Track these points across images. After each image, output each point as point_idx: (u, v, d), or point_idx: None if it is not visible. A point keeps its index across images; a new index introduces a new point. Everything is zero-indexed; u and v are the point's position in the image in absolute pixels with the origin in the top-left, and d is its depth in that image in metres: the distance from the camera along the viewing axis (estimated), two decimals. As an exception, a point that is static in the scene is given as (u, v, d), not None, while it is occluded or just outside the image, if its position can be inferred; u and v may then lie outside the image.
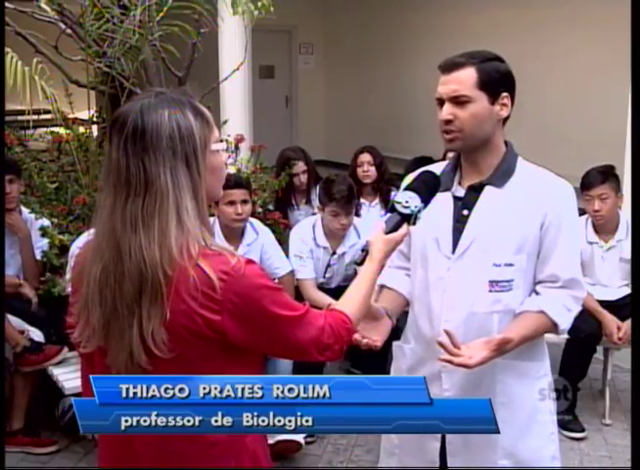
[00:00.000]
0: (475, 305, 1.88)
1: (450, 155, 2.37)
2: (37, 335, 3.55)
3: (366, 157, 4.59)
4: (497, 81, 1.86)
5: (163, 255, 1.29)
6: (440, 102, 1.88)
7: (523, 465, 1.96)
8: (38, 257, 3.78)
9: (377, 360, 3.35)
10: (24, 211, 3.81)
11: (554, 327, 1.89)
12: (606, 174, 3.79)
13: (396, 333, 2.12)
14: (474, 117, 1.84)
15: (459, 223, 1.92)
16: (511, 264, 1.87)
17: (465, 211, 1.93)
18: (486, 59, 1.87)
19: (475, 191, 1.93)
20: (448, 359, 1.77)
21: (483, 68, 1.84)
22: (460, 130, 1.85)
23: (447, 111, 1.85)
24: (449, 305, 1.91)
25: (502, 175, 1.91)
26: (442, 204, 1.91)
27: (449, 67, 1.87)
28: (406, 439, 2.07)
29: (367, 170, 4.56)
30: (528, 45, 6.94)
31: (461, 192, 1.96)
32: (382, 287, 2.07)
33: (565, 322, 1.90)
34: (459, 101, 1.84)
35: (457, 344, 1.77)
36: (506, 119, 1.92)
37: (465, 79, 1.83)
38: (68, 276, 3.30)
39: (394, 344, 2.13)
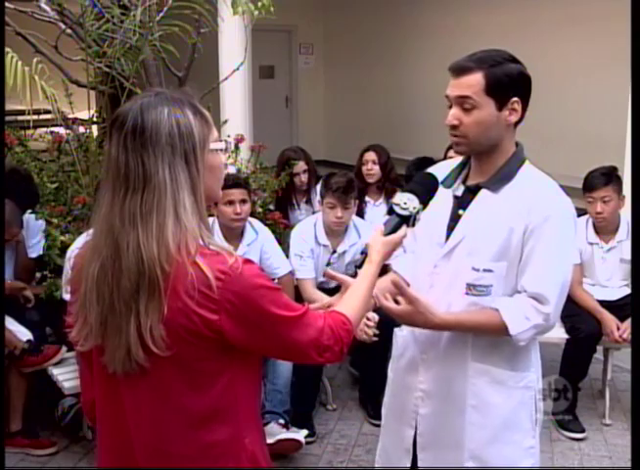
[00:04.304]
0: (452, 305, 1.88)
1: (451, 154, 2.36)
2: (24, 334, 3.46)
3: (371, 155, 4.56)
4: (506, 86, 1.81)
5: (161, 250, 1.29)
6: (450, 103, 1.87)
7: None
8: (35, 254, 3.77)
9: (376, 360, 3.36)
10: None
11: (505, 330, 1.82)
12: (609, 176, 3.76)
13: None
14: (478, 123, 1.82)
15: (453, 222, 1.93)
16: (490, 271, 1.85)
17: (460, 211, 1.93)
18: (497, 62, 1.81)
19: (471, 192, 1.93)
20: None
21: (493, 72, 1.80)
22: (464, 136, 1.84)
23: (453, 115, 1.84)
24: (433, 300, 1.89)
25: (500, 180, 1.89)
26: (442, 201, 1.91)
27: (458, 71, 1.84)
28: (389, 421, 2.15)
29: (371, 169, 4.52)
30: (527, 44, 6.92)
31: (460, 191, 1.96)
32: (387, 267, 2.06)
33: (516, 328, 1.82)
34: (465, 107, 1.82)
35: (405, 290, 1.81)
36: (519, 121, 1.87)
37: (472, 85, 1.80)
38: (65, 277, 3.28)
39: (395, 330, 2.16)
